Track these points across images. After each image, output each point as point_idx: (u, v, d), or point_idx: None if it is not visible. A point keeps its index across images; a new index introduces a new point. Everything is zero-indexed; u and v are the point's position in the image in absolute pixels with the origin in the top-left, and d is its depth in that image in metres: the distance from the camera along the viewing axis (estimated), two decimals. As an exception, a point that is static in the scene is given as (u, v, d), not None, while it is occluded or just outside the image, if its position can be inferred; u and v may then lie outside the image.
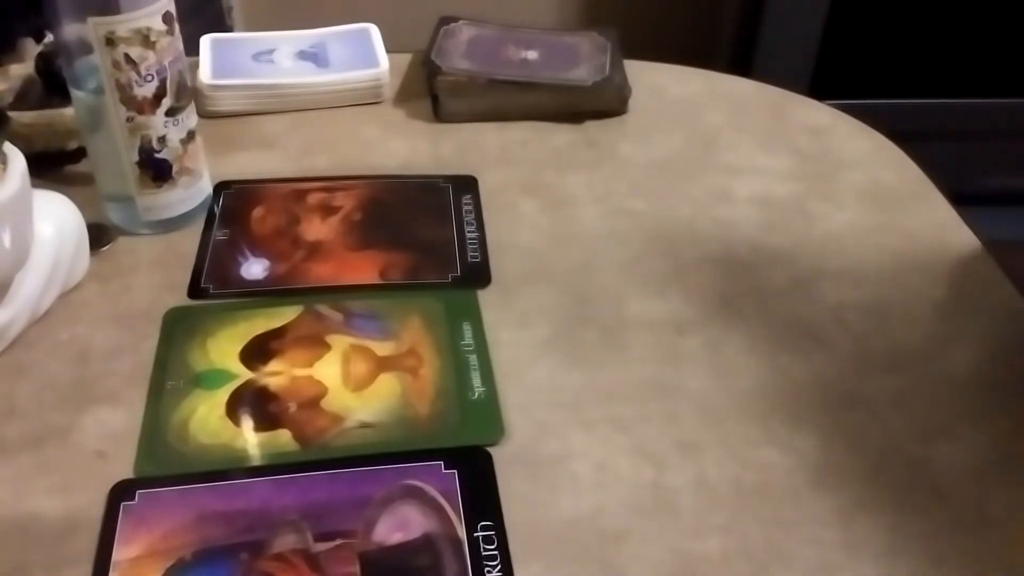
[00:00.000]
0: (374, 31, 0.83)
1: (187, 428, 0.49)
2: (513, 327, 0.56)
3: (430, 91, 0.76)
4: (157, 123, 0.58)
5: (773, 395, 0.52)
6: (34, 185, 0.52)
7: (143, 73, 0.56)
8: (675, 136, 0.75)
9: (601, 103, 0.76)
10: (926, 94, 1.65)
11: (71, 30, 0.55)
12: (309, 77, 0.77)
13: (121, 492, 0.45)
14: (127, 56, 0.55)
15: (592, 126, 0.76)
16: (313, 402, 0.50)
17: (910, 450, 0.49)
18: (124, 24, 0.54)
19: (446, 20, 0.83)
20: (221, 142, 0.71)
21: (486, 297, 0.58)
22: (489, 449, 0.48)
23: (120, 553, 0.43)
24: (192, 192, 0.62)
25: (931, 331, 0.56)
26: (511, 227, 0.64)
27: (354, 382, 0.52)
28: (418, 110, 0.77)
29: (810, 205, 0.67)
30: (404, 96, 0.79)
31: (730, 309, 0.58)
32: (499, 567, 0.42)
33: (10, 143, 0.51)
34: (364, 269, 0.60)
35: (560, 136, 0.74)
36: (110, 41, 0.54)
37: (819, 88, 1.16)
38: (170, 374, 0.52)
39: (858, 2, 1.61)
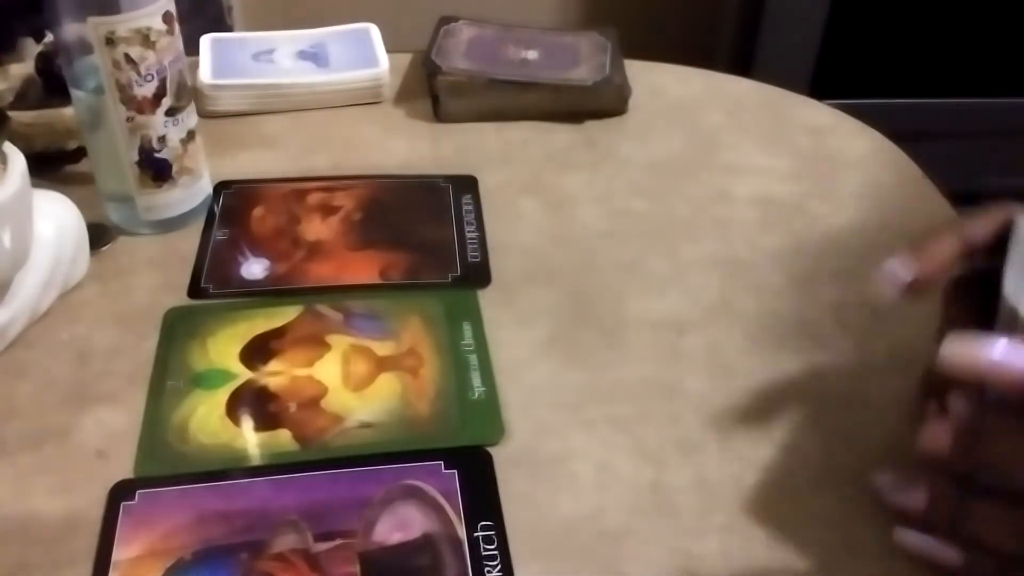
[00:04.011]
0: (374, 31, 0.83)
1: (187, 428, 0.49)
2: (513, 327, 0.56)
3: (430, 91, 0.76)
4: (157, 123, 0.58)
5: (773, 395, 0.52)
6: (34, 185, 0.52)
7: (143, 73, 0.56)
8: (675, 136, 0.75)
9: (601, 103, 0.76)
10: (926, 94, 1.65)
11: (71, 30, 0.55)
12: (309, 77, 0.77)
13: (121, 492, 0.45)
14: (127, 56, 0.55)
15: (592, 126, 0.76)
16: (313, 402, 0.50)
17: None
18: (124, 24, 0.54)
19: (446, 20, 0.83)
20: (221, 142, 0.71)
21: (486, 297, 0.58)
22: (489, 449, 0.48)
23: (120, 553, 0.43)
24: (192, 192, 0.62)
25: (931, 331, 0.56)
26: (511, 227, 0.64)
27: (354, 382, 0.52)
28: (418, 110, 0.77)
29: (810, 205, 0.67)
30: (404, 96, 0.79)
31: (730, 309, 0.58)
32: (499, 567, 0.42)
33: (10, 143, 0.51)
34: (364, 269, 0.60)
35: (560, 136, 0.74)
36: (110, 41, 0.54)
37: (819, 88, 1.16)
38: (170, 374, 0.52)
39: (858, 2, 1.61)
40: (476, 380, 0.52)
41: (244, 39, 0.82)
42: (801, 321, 0.57)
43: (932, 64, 1.65)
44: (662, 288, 0.59)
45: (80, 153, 0.65)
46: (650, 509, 0.46)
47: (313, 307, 0.57)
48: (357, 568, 0.42)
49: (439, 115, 0.76)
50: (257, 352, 0.53)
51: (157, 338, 0.54)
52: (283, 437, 0.49)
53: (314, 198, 0.66)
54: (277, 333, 0.55)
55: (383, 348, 0.54)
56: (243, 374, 0.52)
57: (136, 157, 0.59)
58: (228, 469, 0.47)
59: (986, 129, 1.69)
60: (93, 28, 0.54)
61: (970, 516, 0.40)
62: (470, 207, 0.66)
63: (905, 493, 0.43)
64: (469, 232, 0.63)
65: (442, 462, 0.47)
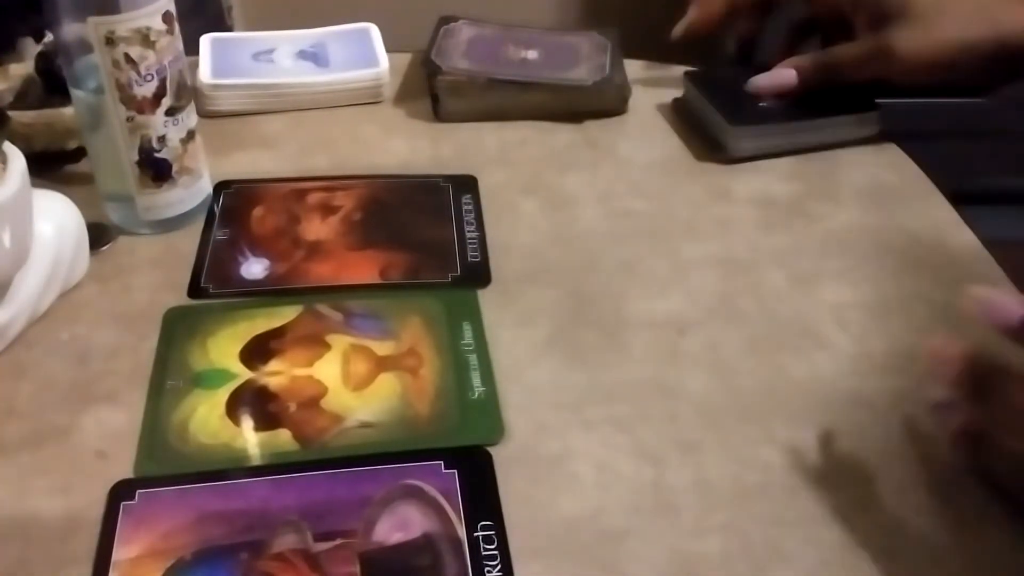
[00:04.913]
0: (374, 31, 0.83)
1: (187, 428, 0.49)
2: (513, 327, 0.56)
3: (430, 91, 0.76)
4: (157, 123, 0.58)
5: (773, 395, 0.52)
6: (34, 185, 0.52)
7: (143, 73, 0.56)
8: (675, 136, 0.75)
9: (601, 103, 0.76)
10: (926, 94, 1.65)
11: (71, 30, 0.55)
12: (309, 77, 0.77)
13: (121, 492, 0.45)
14: (127, 56, 0.55)
15: (592, 126, 0.76)
16: (313, 402, 0.50)
17: (910, 450, 0.49)
18: (124, 24, 0.54)
19: (446, 20, 0.83)
20: (221, 142, 0.71)
21: (486, 297, 0.58)
22: (489, 449, 0.48)
23: (120, 553, 0.43)
24: (192, 192, 0.62)
25: (931, 331, 0.56)
26: (511, 227, 0.64)
27: (354, 382, 0.52)
28: (418, 110, 0.77)
29: (810, 205, 0.67)
30: (404, 96, 0.79)
31: (730, 309, 0.58)
32: (499, 567, 0.42)
33: (10, 143, 0.51)
34: (364, 269, 0.60)
35: (560, 136, 0.74)
36: (110, 41, 0.54)
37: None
38: (170, 374, 0.52)
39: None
40: (476, 380, 0.52)
41: (244, 39, 0.82)
42: (801, 321, 0.57)
43: (932, 64, 1.65)
44: (662, 288, 0.59)
45: (80, 153, 0.65)
46: (650, 509, 0.46)
47: (313, 307, 0.57)
48: (357, 568, 0.42)
49: (439, 115, 0.76)
50: (257, 352, 0.53)
51: (157, 338, 0.54)
52: (283, 437, 0.49)
53: (314, 198, 0.66)
54: (277, 333, 0.55)
55: (383, 348, 0.54)
56: (243, 374, 0.52)
57: (136, 157, 0.59)
58: (228, 469, 0.47)
59: (986, 129, 1.69)
60: (93, 28, 0.54)
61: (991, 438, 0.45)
62: (470, 207, 0.66)
63: (943, 415, 0.47)
64: (469, 232, 0.63)
65: (442, 462, 0.47)
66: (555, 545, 0.44)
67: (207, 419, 0.49)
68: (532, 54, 0.79)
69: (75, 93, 0.58)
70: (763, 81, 0.71)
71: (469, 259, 0.61)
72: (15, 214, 0.50)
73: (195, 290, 0.58)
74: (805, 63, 0.71)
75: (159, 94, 0.57)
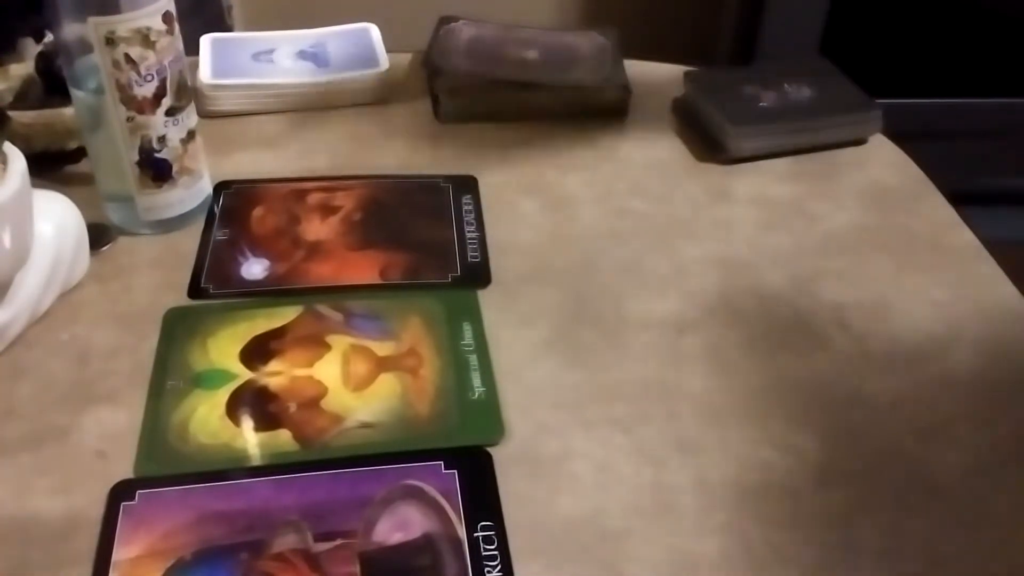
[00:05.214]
0: (374, 31, 0.83)
1: (187, 428, 0.49)
2: (513, 327, 0.56)
3: (430, 91, 0.76)
4: (157, 123, 0.58)
5: (773, 395, 0.52)
6: (34, 185, 0.52)
7: (143, 73, 0.56)
8: (675, 136, 0.75)
9: (601, 103, 0.76)
10: (926, 94, 1.65)
11: (71, 30, 0.55)
12: (309, 77, 0.77)
13: (121, 492, 0.45)
14: (127, 56, 0.55)
15: (592, 126, 0.76)
16: (313, 402, 0.50)
17: (910, 450, 0.49)
18: (124, 24, 0.54)
19: (446, 20, 0.83)
20: (221, 142, 0.71)
21: (486, 297, 0.58)
22: (489, 449, 0.48)
23: (120, 553, 0.43)
24: (192, 192, 0.62)
25: (931, 331, 0.56)
26: (511, 227, 0.64)
27: (354, 382, 0.52)
28: (418, 110, 0.77)
29: (810, 205, 0.67)
30: (404, 96, 0.79)
31: (730, 309, 0.58)
32: (499, 567, 0.42)
33: (10, 143, 0.51)
34: (364, 269, 0.60)
35: (560, 136, 0.74)
36: (110, 41, 0.54)
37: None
38: (170, 374, 0.52)
39: (857, 2, 1.61)
40: (476, 380, 0.52)
41: (244, 39, 0.82)
42: (801, 321, 0.57)
43: (931, 64, 1.65)
44: (662, 288, 0.59)
45: (80, 153, 0.65)
46: (650, 509, 0.46)
47: (313, 307, 0.57)
48: (357, 568, 0.42)
49: (439, 115, 0.76)
50: (257, 352, 0.53)
51: (157, 338, 0.54)
52: (283, 437, 0.49)
53: (314, 198, 0.66)
54: (277, 333, 0.55)
55: (383, 348, 0.54)
56: (243, 374, 0.52)
57: (136, 157, 0.59)
58: (228, 469, 0.47)
59: (986, 129, 1.69)
60: (93, 28, 0.54)
61: None
62: (470, 207, 0.66)
63: None
64: (469, 232, 0.63)
65: (442, 462, 0.47)
66: (555, 545, 0.44)
67: (207, 419, 0.49)
68: (532, 54, 0.79)
69: (75, 93, 0.58)
70: None
71: (469, 259, 0.61)
72: (15, 214, 0.50)
73: (195, 290, 0.58)
74: None
75: (159, 94, 0.57)
